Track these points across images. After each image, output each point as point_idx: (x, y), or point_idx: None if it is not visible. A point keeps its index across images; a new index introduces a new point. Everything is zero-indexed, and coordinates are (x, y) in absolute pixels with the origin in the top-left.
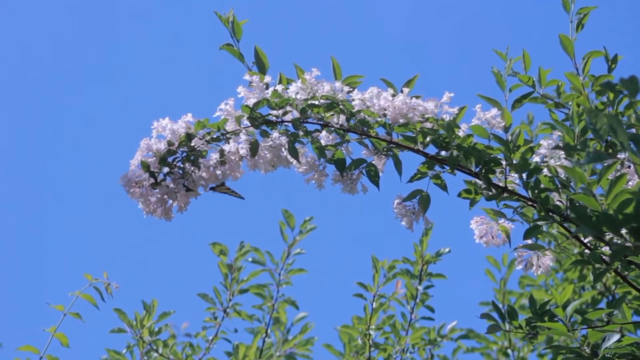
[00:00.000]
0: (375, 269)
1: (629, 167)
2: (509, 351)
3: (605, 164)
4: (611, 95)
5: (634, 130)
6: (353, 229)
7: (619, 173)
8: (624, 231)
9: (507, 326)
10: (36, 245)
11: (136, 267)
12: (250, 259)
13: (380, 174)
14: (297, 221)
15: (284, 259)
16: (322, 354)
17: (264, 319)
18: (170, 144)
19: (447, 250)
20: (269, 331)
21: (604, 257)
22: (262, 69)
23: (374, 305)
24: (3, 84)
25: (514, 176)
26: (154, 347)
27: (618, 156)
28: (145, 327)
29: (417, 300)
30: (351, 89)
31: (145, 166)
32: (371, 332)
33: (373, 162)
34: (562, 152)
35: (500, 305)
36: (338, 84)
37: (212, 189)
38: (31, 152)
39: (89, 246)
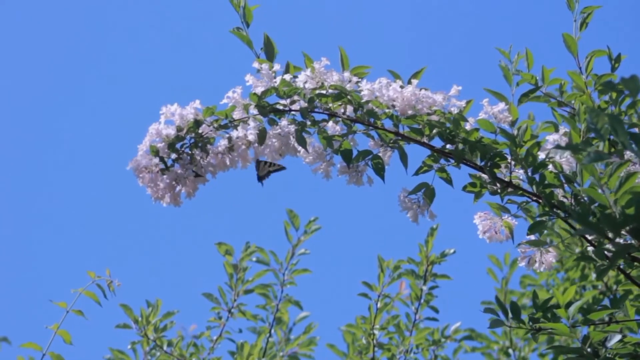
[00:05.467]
0: (380, 269)
1: (635, 164)
2: (510, 351)
3: (612, 162)
4: (614, 94)
5: (636, 130)
6: (357, 230)
7: (628, 170)
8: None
9: (510, 322)
10: (40, 242)
11: (141, 266)
12: (254, 259)
13: (386, 167)
14: (301, 221)
15: (288, 259)
16: (326, 354)
17: (267, 319)
18: (179, 129)
19: (452, 251)
20: (272, 331)
21: (607, 253)
22: (270, 56)
23: (379, 305)
24: (10, 76)
25: (518, 172)
26: (159, 344)
27: (625, 153)
28: (151, 323)
29: (422, 301)
30: (359, 80)
31: (154, 151)
32: (375, 331)
33: (379, 154)
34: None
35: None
36: (347, 74)
37: (259, 179)
38: (36, 149)
39: (93, 245)
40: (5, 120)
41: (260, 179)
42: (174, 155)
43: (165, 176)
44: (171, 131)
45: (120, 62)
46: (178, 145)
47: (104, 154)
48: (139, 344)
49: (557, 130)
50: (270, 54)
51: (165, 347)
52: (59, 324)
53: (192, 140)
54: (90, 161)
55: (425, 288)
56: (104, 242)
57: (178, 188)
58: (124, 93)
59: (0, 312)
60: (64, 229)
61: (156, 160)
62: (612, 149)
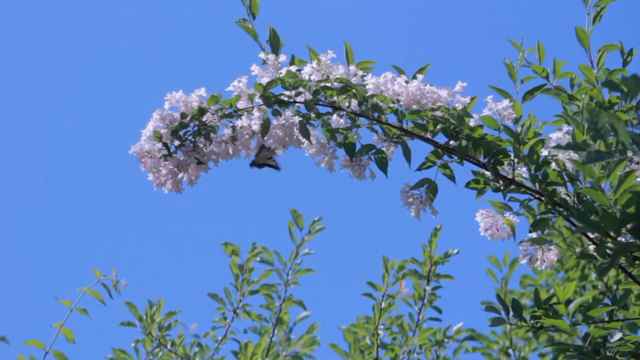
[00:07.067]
0: (385, 269)
1: (638, 163)
2: (510, 351)
3: (611, 161)
4: (625, 89)
5: None
6: (361, 230)
7: (629, 168)
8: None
9: (511, 319)
10: (45, 240)
11: (147, 266)
12: (259, 259)
13: (389, 162)
14: (305, 221)
15: (292, 259)
16: (329, 354)
17: (271, 319)
18: (183, 116)
19: (455, 251)
20: (275, 331)
21: (609, 251)
22: (275, 49)
23: (383, 305)
24: (13, 69)
25: (521, 169)
26: (163, 343)
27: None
28: (155, 322)
29: (425, 301)
30: (364, 74)
31: (157, 136)
32: (380, 331)
33: (382, 148)
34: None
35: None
36: (352, 68)
37: (252, 163)
38: (40, 147)
39: (99, 245)
40: (9, 117)
41: (254, 164)
42: (177, 142)
43: (167, 162)
44: (175, 118)
45: (124, 53)
46: (181, 133)
47: (112, 152)
48: (141, 342)
49: (568, 124)
50: (275, 46)
51: (168, 346)
52: (63, 322)
53: (196, 128)
54: (97, 159)
55: (428, 288)
56: (109, 241)
57: (180, 175)
58: (129, 85)
59: (4, 310)
60: (69, 227)
61: (159, 145)
62: (619, 146)
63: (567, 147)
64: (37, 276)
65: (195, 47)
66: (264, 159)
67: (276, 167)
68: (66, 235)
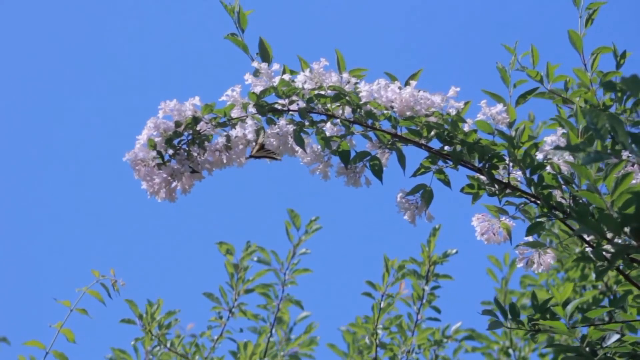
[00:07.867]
0: (385, 269)
1: (633, 165)
2: (510, 351)
3: (610, 162)
4: (619, 92)
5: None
6: (358, 229)
7: (625, 171)
8: (627, 229)
9: (509, 323)
10: (44, 241)
11: (142, 266)
12: (255, 259)
13: (384, 168)
14: (302, 221)
15: (289, 258)
16: (327, 354)
17: (268, 318)
18: (177, 124)
19: (454, 251)
20: (273, 331)
21: (606, 254)
22: (265, 60)
23: (382, 304)
24: (10, 75)
25: (516, 173)
26: (162, 341)
27: (623, 153)
28: (156, 320)
29: (424, 301)
30: (357, 81)
31: (152, 145)
32: (379, 331)
33: (377, 155)
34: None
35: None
36: (345, 75)
37: (251, 156)
38: (39, 147)
39: (95, 245)
40: (10, 118)
41: (252, 156)
42: (170, 151)
43: (161, 171)
44: (169, 126)
45: (119, 62)
46: (175, 141)
47: (107, 152)
48: (140, 341)
49: (562, 127)
50: (265, 57)
51: (168, 345)
52: (63, 323)
53: (190, 137)
54: (93, 160)
55: (427, 288)
56: (105, 241)
57: (174, 184)
58: (124, 92)
59: (3, 311)
60: (66, 228)
61: (153, 153)
62: (616, 147)
63: (567, 148)
64: (37, 276)
65: (189, 55)
66: (263, 153)
67: (276, 158)
68: (65, 236)
